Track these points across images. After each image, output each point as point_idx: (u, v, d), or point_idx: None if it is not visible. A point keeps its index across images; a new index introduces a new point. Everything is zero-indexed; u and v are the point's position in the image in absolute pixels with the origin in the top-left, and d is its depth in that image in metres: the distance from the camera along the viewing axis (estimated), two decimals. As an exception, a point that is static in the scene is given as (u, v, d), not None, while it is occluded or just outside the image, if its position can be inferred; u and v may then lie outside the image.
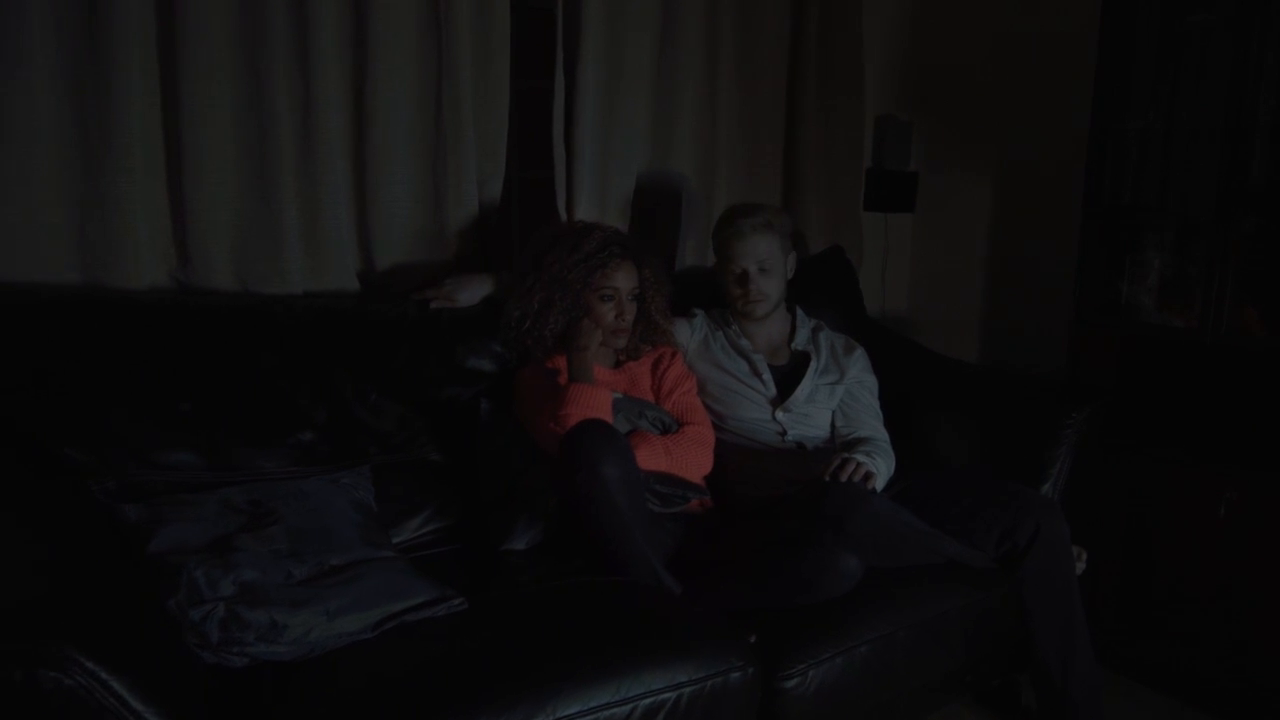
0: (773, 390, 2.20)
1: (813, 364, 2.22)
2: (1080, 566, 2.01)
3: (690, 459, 1.99)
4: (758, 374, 2.21)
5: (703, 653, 1.54)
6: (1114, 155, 2.34)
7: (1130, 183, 2.34)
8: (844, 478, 1.89)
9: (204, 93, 1.95)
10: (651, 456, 1.92)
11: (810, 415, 2.19)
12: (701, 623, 1.62)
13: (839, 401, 2.22)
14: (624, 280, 2.05)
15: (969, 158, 2.92)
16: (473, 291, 2.13)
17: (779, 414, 2.18)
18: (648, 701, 1.44)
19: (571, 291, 2.02)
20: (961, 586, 1.89)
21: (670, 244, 2.62)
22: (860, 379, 2.25)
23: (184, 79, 1.93)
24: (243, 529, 1.58)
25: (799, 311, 2.35)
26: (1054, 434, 2.12)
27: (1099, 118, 2.33)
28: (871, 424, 2.19)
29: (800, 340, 2.29)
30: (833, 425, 2.21)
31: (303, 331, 1.93)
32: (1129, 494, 2.27)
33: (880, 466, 2.01)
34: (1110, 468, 2.26)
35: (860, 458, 1.97)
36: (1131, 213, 2.34)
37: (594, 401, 1.86)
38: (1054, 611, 1.92)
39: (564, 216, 2.41)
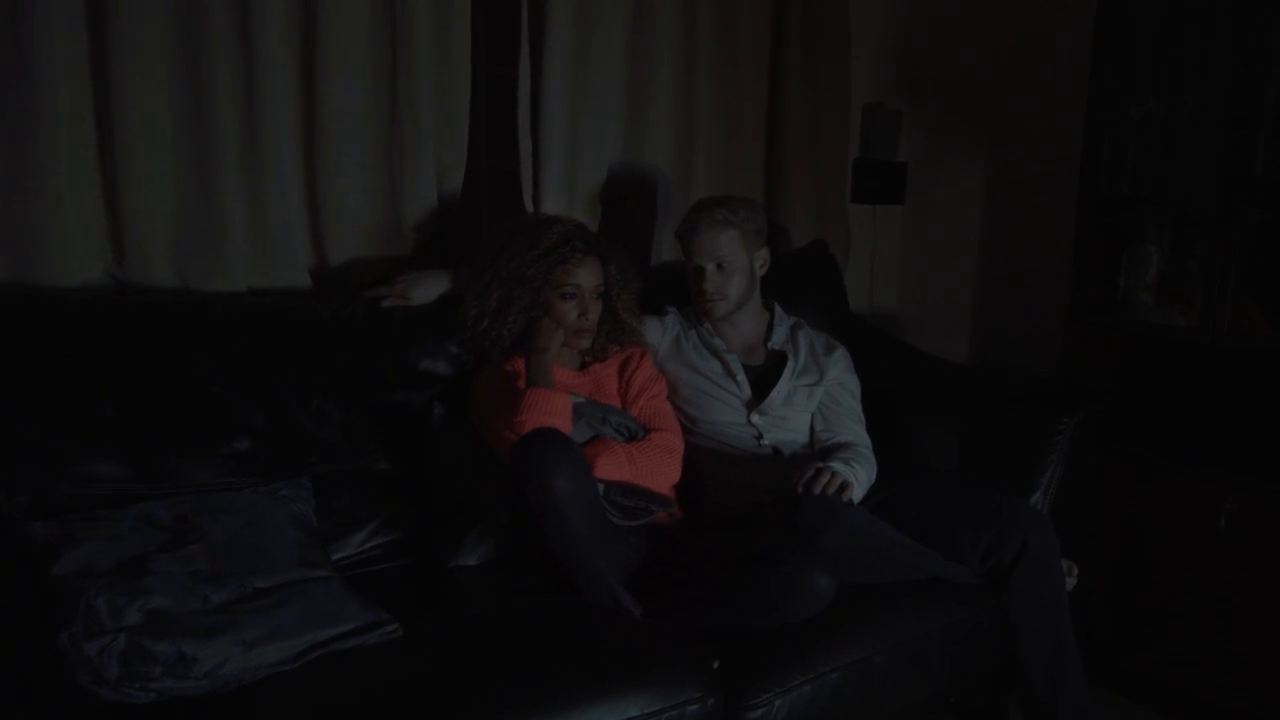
0: (747, 392, 2.09)
1: (790, 364, 2.11)
2: (1071, 582, 1.91)
3: (656, 467, 1.87)
4: (731, 375, 2.09)
5: (658, 682, 1.44)
6: (1112, 144, 2.24)
7: (1128, 173, 2.25)
8: (818, 489, 1.77)
9: (137, 77, 1.82)
10: (613, 465, 1.80)
11: (787, 418, 2.08)
12: (658, 649, 1.51)
13: (818, 404, 2.10)
14: (587, 277, 1.93)
15: (961, 148, 2.81)
16: (428, 289, 2.01)
17: (754, 417, 2.06)
18: (595, 738, 1.32)
19: (531, 289, 1.90)
20: (943, 604, 1.78)
21: (645, 238, 2.51)
22: (841, 380, 2.13)
23: (115, 61, 1.80)
24: (162, 548, 1.46)
25: (777, 309, 2.23)
26: (1045, 440, 2.01)
27: (1095, 105, 2.23)
28: (852, 428, 2.07)
29: (777, 339, 2.17)
30: (812, 429, 2.09)
31: (242, 332, 1.81)
32: (1124, 502, 2.17)
33: (860, 475, 1.90)
34: (1105, 475, 2.15)
35: (838, 466, 1.86)
36: (1130, 204, 2.25)
37: (552, 407, 1.74)
38: (1042, 630, 1.82)
39: (530, 209, 2.30)
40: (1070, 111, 2.34)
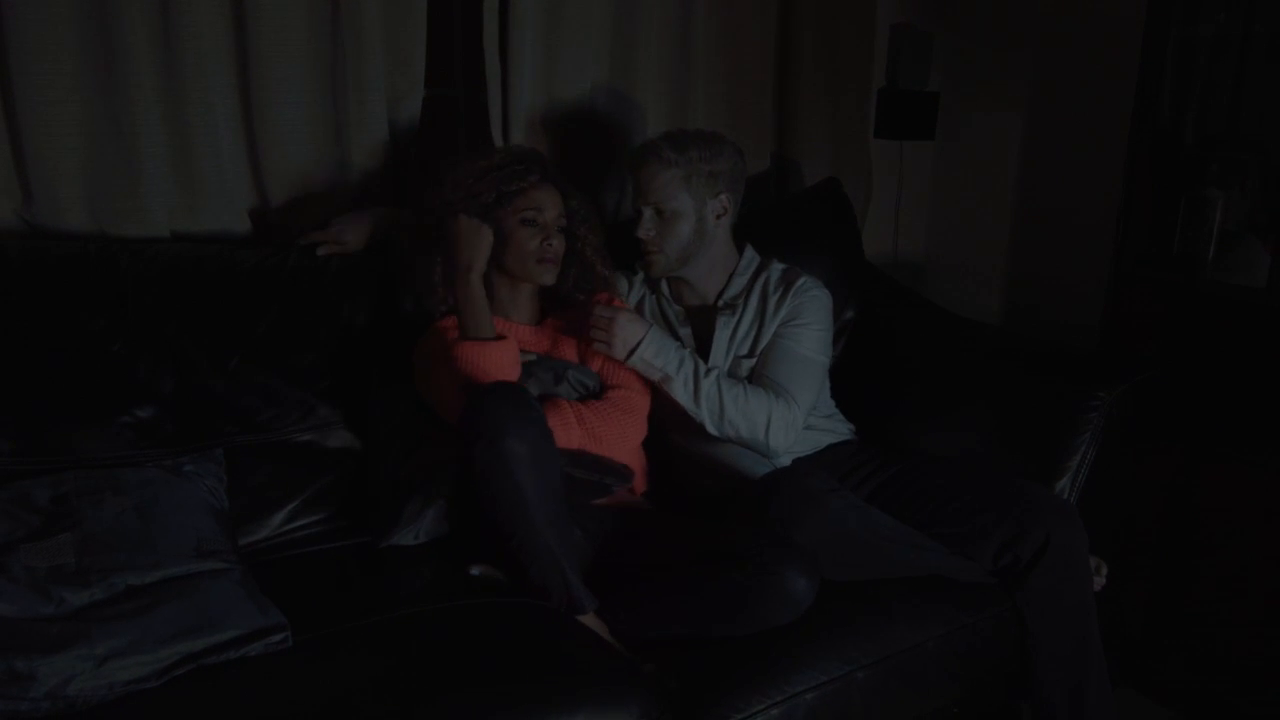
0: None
1: (720, 332, 1.77)
2: (1099, 582, 1.69)
3: (612, 429, 1.61)
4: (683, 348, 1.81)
5: (594, 703, 1.23)
6: (1175, 69, 1.97)
7: (1193, 104, 2.01)
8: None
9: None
10: (561, 428, 1.55)
11: None
12: (598, 663, 1.31)
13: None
14: (549, 204, 1.67)
15: (1000, 75, 2.52)
16: (364, 231, 1.78)
17: None
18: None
19: (480, 206, 1.62)
20: (945, 608, 1.56)
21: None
22: (784, 326, 1.76)
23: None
24: (30, 536, 1.28)
25: (747, 252, 1.87)
26: (1076, 417, 1.74)
27: (1156, 22, 1.94)
28: (778, 369, 1.71)
29: (728, 295, 1.82)
30: None
31: (150, 284, 1.61)
32: (1167, 492, 1.91)
33: (682, 371, 1.66)
34: (1146, 459, 1.89)
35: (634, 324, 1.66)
36: (1193, 141, 1.99)
37: (489, 363, 1.50)
38: (1063, 639, 1.60)
39: (500, 144, 2.04)
40: (1127, 31, 2.05)
